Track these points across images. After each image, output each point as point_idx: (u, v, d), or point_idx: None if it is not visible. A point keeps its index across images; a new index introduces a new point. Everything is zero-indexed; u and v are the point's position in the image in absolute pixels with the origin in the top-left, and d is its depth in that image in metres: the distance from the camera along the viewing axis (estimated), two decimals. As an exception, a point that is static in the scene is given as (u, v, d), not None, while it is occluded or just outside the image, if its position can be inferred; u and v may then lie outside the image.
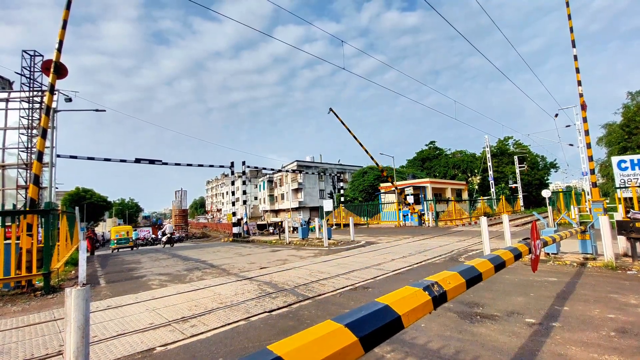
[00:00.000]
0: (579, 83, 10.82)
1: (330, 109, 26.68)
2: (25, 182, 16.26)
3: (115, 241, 25.22)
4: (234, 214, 26.49)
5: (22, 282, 7.83)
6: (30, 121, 16.67)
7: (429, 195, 28.63)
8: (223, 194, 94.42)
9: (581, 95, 10.77)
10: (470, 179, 49.66)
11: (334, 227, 28.08)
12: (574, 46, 10.93)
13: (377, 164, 28.92)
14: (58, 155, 17.43)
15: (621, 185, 12.38)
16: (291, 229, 24.98)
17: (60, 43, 9.62)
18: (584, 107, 10.81)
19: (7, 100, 17.47)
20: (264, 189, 69.84)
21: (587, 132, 11.00)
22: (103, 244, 35.29)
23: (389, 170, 37.23)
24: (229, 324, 4.71)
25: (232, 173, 27.54)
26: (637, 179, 12.26)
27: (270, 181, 67.28)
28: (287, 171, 48.57)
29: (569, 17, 11.13)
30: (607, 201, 18.57)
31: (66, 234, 12.66)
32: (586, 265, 7.50)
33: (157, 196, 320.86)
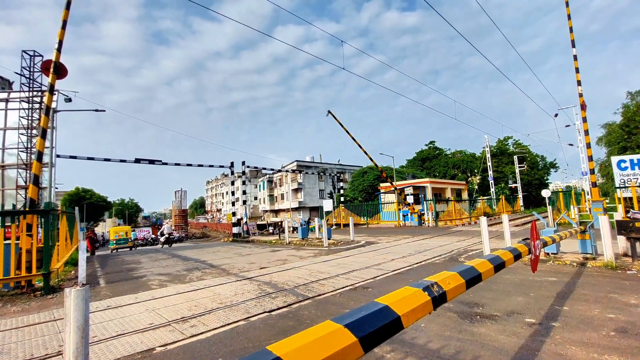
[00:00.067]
0: (579, 83, 10.82)
1: (329, 112, 26.35)
2: (25, 182, 16.25)
3: (115, 241, 25.43)
4: (233, 214, 26.49)
5: (21, 282, 7.82)
6: (30, 121, 16.66)
7: (429, 195, 28.64)
8: (223, 194, 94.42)
9: (581, 95, 10.78)
10: (470, 179, 49.67)
11: (334, 227, 28.08)
12: (573, 46, 10.94)
13: (376, 165, 28.90)
14: (58, 156, 17.43)
15: (621, 185, 12.39)
16: (291, 229, 24.99)
17: (60, 43, 9.62)
18: (583, 107, 10.82)
19: (6, 101, 17.47)
20: (263, 189, 69.82)
21: (586, 132, 11.01)
22: (103, 244, 35.31)
23: (389, 170, 37.23)
24: (228, 324, 4.71)
25: (232, 173, 27.54)
26: (637, 178, 12.27)
27: (270, 181, 67.27)
28: (287, 171, 48.56)
29: (569, 17, 11.14)
30: (607, 201, 18.59)
31: (66, 234, 12.65)
32: (586, 265, 7.50)
33: (157, 196, 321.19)
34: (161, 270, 10.57)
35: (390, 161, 35.88)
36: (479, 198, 35.97)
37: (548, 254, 8.31)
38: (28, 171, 16.22)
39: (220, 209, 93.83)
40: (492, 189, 40.20)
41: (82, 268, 6.31)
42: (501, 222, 11.25)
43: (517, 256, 2.71)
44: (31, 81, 16.91)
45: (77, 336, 1.87)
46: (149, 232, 39.23)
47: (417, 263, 9.03)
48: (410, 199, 25.45)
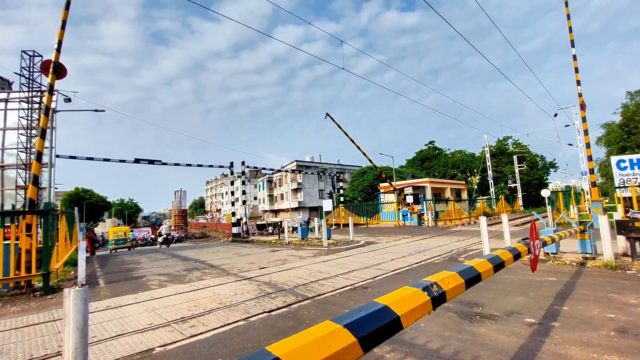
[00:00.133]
0: (578, 83, 10.83)
1: (327, 114, 26.09)
2: (25, 182, 16.25)
3: (114, 242, 25.58)
4: (233, 214, 26.48)
5: (21, 282, 7.81)
6: (29, 121, 16.66)
7: (429, 195, 28.64)
8: (222, 194, 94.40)
9: (580, 95, 10.78)
10: (469, 178, 49.69)
11: (334, 227, 28.08)
12: (573, 46, 10.94)
13: (375, 166, 28.90)
14: (57, 156, 17.42)
15: (620, 185, 12.41)
16: (290, 229, 25.00)
17: (59, 43, 9.61)
18: (583, 106, 10.82)
19: (6, 101, 17.46)
20: (263, 189, 69.82)
21: (586, 132, 11.01)
22: (102, 244, 35.35)
23: (388, 170, 37.25)
24: (228, 324, 4.70)
25: (232, 173, 27.53)
26: (636, 178, 12.29)
27: (270, 181, 67.27)
28: (286, 171, 48.55)
29: (568, 16, 11.15)
30: (607, 201, 18.60)
31: (65, 235, 12.64)
32: (585, 264, 7.50)
33: (157, 196, 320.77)
34: (161, 270, 10.57)
35: (390, 161, 35.89)
36: (478, 198, 35.99)
37: (548, 253, 8.32)
38: (27, 171, 16.21)
39: (220, 209, 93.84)
40: (492, 189, 40.23)
41: (81, 268, 6.31)
42: (501, 222, 11.26)
43: (517, 256, 2.71)
44: (31, 81, 16.91)
45: (76, 336, 1.87)
46: (148, 232, 39.24)
47: (416, 263, 9.03)
48: (409, 199, 25.45)
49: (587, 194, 24.03)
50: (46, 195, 16.10)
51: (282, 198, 62.43)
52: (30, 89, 16.84)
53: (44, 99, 9.77)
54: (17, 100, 17.02)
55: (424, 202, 25.86)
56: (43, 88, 16.82)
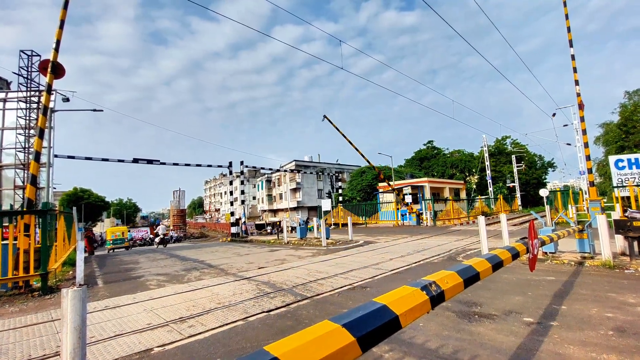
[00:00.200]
0: (577, 82, 10.85)
1: (325, 117, 26.00)
2: (23, 182, 16.18)
3: (112, 242, 25.60)
4: (232, 213, 26.46)
5: (19, 282, 7.79)
6: (27, 121, 16.59)
7: (427, 195, 28.67)
8: (221, 193, 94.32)
9: (579, 95, 10.80)
10: (468, 178, 49.78)
11: (332, 226, 28.08)
12: (571, 46, 10.96)
13: (373, 166, 28.92)
14: (56, 156, 17.38)
15: (618, 184, 12.45)
16: (289, 228, 24.99)
17: (58, 43, 9.58)
18: (581, 106, 10.84)
19: (4, 100, 17.37)
20: (262, 188, 69.74)
21: (584, 132, 11.04)
22: (101, 244, 35.31)
23: (387, 170, 37.29)
24: (227, 324, 4.70)
25: (231, 173, 27.50)
26: (635, 178, 12.34)
27: (269, 181, 67.20)
28: (285, 171, 48.52)
29: (567, 16, 11.16)
30: (605, 200, 18.64)
31: (64, 235, 12.60)
32: (584, 264, 7.52)
33: (155, 196, 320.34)
34: (159, 270, 10.55)
35: (389, 161, 35.94)
36: (477, 197, 36.05)
37: (546, 253, 8.33)
38: (26, 171, 16.15)
39: (219, 209, 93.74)
40: (490, 189, 40.29)
41: (79, 268, 6.30)
42: (499, 222, 11.28)
43: (515, 255, 2.71)
44: (29, 81, 16.85)
45: (74, 336, 1.86)
46: (147, 232, 39.17)
47: (415, 262, 9.04)
48: (408, 199, 25.48)
49: (586, 194, 24.08)
50: (44, 195, 16.05)
51: (280, 198, 62.38)
52: (29, 89, 16.78)
53: (42, 99, 9.75)
54: (16, 99, 16.94)
55: (423, 201, 25.90)
56: (41, 88, 16.75)
